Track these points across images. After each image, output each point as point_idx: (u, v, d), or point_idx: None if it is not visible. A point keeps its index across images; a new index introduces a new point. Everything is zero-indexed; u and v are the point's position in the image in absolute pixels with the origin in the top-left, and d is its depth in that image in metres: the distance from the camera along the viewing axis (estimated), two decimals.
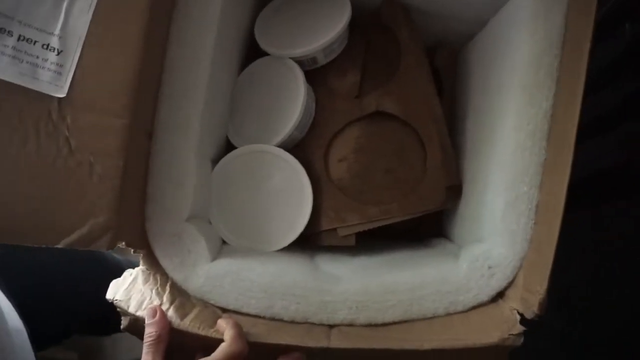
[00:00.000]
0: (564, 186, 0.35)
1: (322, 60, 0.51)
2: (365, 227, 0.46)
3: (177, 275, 0.37)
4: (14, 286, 0.45)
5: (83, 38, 0.33)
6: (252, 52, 0.52)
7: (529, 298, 0.34)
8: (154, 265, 0.38)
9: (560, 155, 0.36)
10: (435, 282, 0.37)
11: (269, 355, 0.34)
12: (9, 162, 0.32)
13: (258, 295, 0.37)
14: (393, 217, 0.46)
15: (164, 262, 0.38)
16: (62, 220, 0.33)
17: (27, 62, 0.32)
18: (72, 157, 0.33)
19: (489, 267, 0.37)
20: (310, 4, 0.51)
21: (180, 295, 0.37)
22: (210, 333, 0.34)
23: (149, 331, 0.33)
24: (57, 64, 0.32)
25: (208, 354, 0.32)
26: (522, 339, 0.34)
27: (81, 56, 0.33)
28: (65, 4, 0.33)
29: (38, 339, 0.43)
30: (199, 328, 0.34)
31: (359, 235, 0.47)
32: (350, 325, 0.37)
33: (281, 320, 0.37)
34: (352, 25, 0.50)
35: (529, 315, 0.34)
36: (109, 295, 0.37)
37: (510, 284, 0.37)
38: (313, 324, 0.37)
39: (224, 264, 0.38)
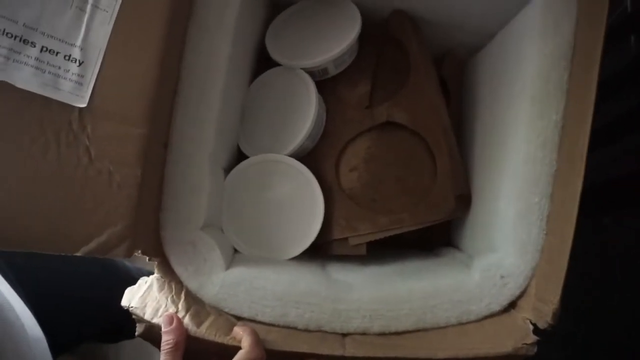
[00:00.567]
0: (576, 197, 0.36)
1: (333, 71, 0.51)
2: (377, 237, 0.46)
3: (192, 283, 0.38)
4: (30, 294, 0.45)
5: (104, 49, 0.34)
6: (262, 62, 0.53)
7: (542, 308, 0.35)
8: (169, 273, 0.38)
9: (572, 166, 0.37)
10: (448, 291, 0.37)
11: None
12: (30, 171, 0.32)
13: (272, 303, 0.37)
14: (404, 226, 0.46)
15: (179, 270, 0.38)
16: (81, 229, 0.33)
17: (50, 73, 0.32)
18: (92, 166, 0.33)
19: (502, 277, 0.37)
20: (321, 16, 0.52)
21: (195, 303, 0.37)
22: (226, 340, 0.34)
23: (167, 339, 0.33)
24: (79, 75, 0.33)
25: (226, 359, 0.32)
26: (535, 349, 0.34)
27: (101, 67, 0.34)
28: (86, 16, 0.33)
29: (52, 347, 0.43)
30: (215, 335, 0.34)
31: (370, 245, 0.47)
32: (364, 334, 0.37)
33: (295, 328, 0.37)
34: (362, 36, 0.51)
35: (542, 325, 0.34)
36: (124, 302, 0.37)
37: (522, 294, 0.37)
38: (326, 332, 0.37)
39: (238, 273, 0.38)
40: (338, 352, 0.34)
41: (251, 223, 0.46)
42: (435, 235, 0.53)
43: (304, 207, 0.46)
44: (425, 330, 0.37)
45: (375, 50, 0.53)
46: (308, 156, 0.50)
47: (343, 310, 0.37)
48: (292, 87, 0.50)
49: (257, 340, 0.33)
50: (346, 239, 0.47)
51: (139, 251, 0.36)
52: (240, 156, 0.50)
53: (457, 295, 0.37)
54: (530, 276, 0.37)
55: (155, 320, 0.35)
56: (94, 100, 0.34)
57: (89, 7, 0.34)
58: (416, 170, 0.48)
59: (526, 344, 0.34)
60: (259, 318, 0.37)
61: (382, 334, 0.37)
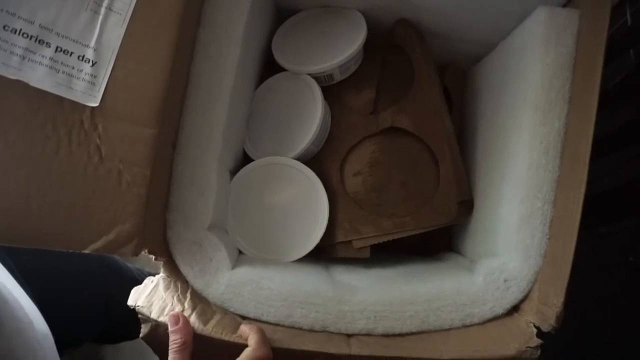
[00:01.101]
0: (579, 202, 0.36)
1: (338, 77, 0.52)
2: (380, 240, 0.46)
3: (197, 283, 0.38)
4: (36, 294, 0.45)
5: (116, 51, 0.34)
6: (268, 67, 0.54)
7: (545, 311, 0.35)
8: (175, 273, 0.39)
9: (575, 171, 0.37)
10: (451, 294, 0.38)
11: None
12: (42, 168, 0.33)
13: (277, 303, 0.37)
14: (407, 230, 0.47)
15: (185, 270, 0.38)
16: (90, 226, 0.33)
17: (63, 73, 0.33)
18: (102, 165, 0.34)
19: (505, 281, 0.38)
20: (327, 23, 0.52)
21: (201, 302, 0.37)
22: (233, 338, 0.34)
23: (174, 338, 0.33)
24: (91, 75, 0.34)
25: (232, 358, 0.32)
26: (539, 352, 0.34)
27: (114, 68, 0.34)
28: (100, 18, 0.34)
29: (57, 345, 0.43)
30: (222, 333, 0.34)
31: (373, 250, 0.48)
32: (368, 335, 0.37)
33: (300, 329, 0.37)
34: (368, 44, 0.52)
35: (545, 328, 0.35)
36: (131, 301, 0.37)
37: (525, 298, 0.38)
38: (332, 333, 0.37)
39: (244, 273, 0.39)
40: (344, 350, 0.34)
41: (256, 225, 0.46)
42: (438, 241, 0.53)
43: (308, 210, 0.46)
44: (429, 332, 0.37)
45: (380, 57, 0.53)
46: (313, 160, 0.50)
47: (348, 311, 0.37)
48: (298, 92, 0.51)
49: (264, 339, 0.33)
50: (350, 241, 0.47)
51: (146, 250, 0.36)
52: (246, 159, 0.51)
53: (461, 298, 0.38)
54: (534, 280, 0.38)
55: (161, 319, 0.35)
56: (105, 100, 0.34)
57: (103, 9, 0.34)
58: (419, 175, 0.49)
59: (530, 347, 0.34)
60: (265, 318, 0.37)
61: (386, 336, 0.37)
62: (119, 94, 0.35)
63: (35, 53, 0.32)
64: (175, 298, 0.37)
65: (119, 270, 0.59)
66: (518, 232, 0.38)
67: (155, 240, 0.38)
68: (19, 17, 0.32)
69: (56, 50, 0.33)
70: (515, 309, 0.38)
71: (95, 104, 0.34)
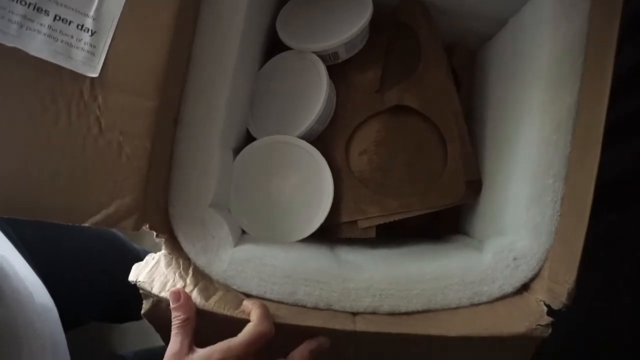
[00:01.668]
0: (591, 179, 0.35)
1: (344, 56, 0.51)
2: (386, 220, 0.46)
3: (200, 260, 0.37)
4: (41, 268, 0.45)
5: (116, 20, 0.34)
6: (274, 47, 0.53)
7: (556, 289, 0.34)
8: (177, 250, 0.38)
9: (587, 148, 0.36)
10: (459, 272, 0.37)
11: (294, 339, 0.34)
12: (40, 139, 0.32)
13: (281, 280, 0.37)
14: (413, 210, 0.46)
15: (187, 247, 0.38)
16: (89, 199, 0.33)
17: (62, 42, 0.32)
18: (102, 136, 0.33)
19: (514, 259, 0.37)
20: (332, 0, 0.51)
21: (203, 279, 0.37)
22: (235, 314, 0.34)
23: (176, 314, 0.33)
24: (91, 45, 0.33)
25: (234, 334, 0.32)
26: (549, 330, 0.33)
27: (114, 38, 0.34)
28: None
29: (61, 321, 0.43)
30: (224, 309, 0.34)
31: (379, 231, 0.47)
32: (374, 313, 0.36)
33: (304, 306, 0.36)
34: (374, 22, 0.50)
35: (556, 305, 0.34)
36: (132, 277, 0.36)
37: (535, 276, 0.37)
38: (336, 311, 0.36)
39: (247, 250, 0.38)
40: (349, 327, 0.34)
41: (259, 204, 0.46)
42: (445, 223, 0.52)
43: (313, 189, 0.46)
44: (435, 311, 0.36)
45: (386, 35, 0.52)
46: (318, 140, 0.49)
47: (353, 289, 0.37)
48: (302, 70, 0.50)
49: (267, 313, 0.33)
50: (355, 222, 0.46)
51: (147, 226, 0.36)
52: (249, 140, 0.50)
53: (469, 276, 0.37)
54: (544, 259, 0.37)
55: (163, 294, 0.35)
56: (105, 71, 0.33)
57: None
58: (426, 154, 0.48)
59: (540, 325, 0.33)
60: (268, 295, 0.37)
61: (392, 314, 0.36)
62: (119, 65, 0.34)
63: (33, 21, 0.32)
64: (177, 274, 0.36)
65: (122, 249, 0.59)
66: (528, 209, 0.37)
67: (157, 217, 0.37)
68: None
69: (55, 19, 0.32)
70: (524, 287, 0.37)
71: (95, 75, 0.33)
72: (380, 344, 0.35)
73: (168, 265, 0.37)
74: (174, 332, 0.33)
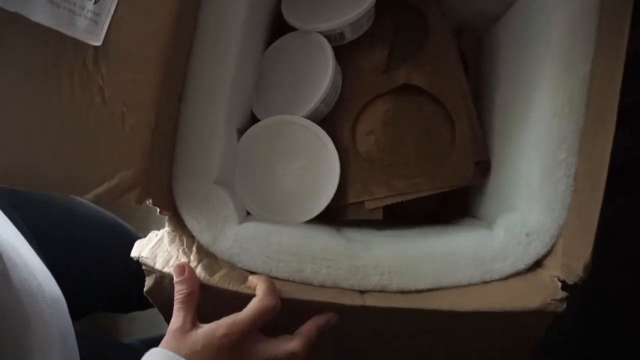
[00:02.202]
0: (606, 153, 0.34)
1: (350, 36, 0.50)
2: (393, 200, 0.45)
3: (204, 237, 0.36)
4: (50, 256, 0.44)
5: None
6: (278, 27, 0.52)
7: (571, 264, 0.33)
8: (180, 227, 0.37)
9: (601, 121, 0.35)
10: (470, 249, 0.36)
11: (301, 316, 0.33)
12: (42, 110, 0.31)
13: (287, 258, 0.36)
14: (421, 191, 0.45)
15: (191, 224, 0.37)
16: (92, 171, 0.32)
17: (65, 9, 0.31)
18: (105, 107, 0.32)
19: (527, 235, 0.36)
20: None
21: (207, 256, 0.36)
22: (241, 289, 0.33)
23: (179, 288, 0.32)
24: (94, 12, 0.32)
25: (239, 310, 0.31)
26: (564, 305, 0.32)
27: (117, 6, 0.33)
28: None
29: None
30: (229, 284, 0.33)
31: (386, 213, 0.46)
32: (382, 291, 0.35)
33: (311, 284, 0.36)
34: (380, 3, 0.50)
35: (571, 280, 0.33)
36: (134, 253, 0.36)
37: (549, 253, 0.36)
38: (344, 289, 0.36)
39: (253, 227, 0.37)
40: (357, 302, 0.33)
41: (265, 185, 0.45)
42: (454, 205, 0.51)
43: (319, 170, 0.45)
44: (446, 288, 0.35)
45: (393, 15, 0.51)
46: (324, 120, 0.48)
47: (360, 266, 0.36)
48: (308, 51, 0.49)
49: (272, 288, 0.32)
50: (362, 202, 0.45)
51: (150, 201, 0.35)
52: (254, 122, 0.49)
53: (480, 253, 0.36)
54: (557, 235, 0.36)
55: (166, 270, 0.34)
56: (109, 40, 0.33)
57: None
58: (434, 135, 0.47)
59: (555, 299, 0.32)
60: (274, 274, 0.36)
61: (401, 292, 0.35)
62: (123, 34, 0.33)
63: None
64: (180, 251, 0.36)
65: (126, 238, 0.58)
66: (540, 185, 0.36)
67: (161, 193, 0.37)
68: None
69: None
70: (537, 264, 0.36)
71: (98, 43, 0.32)
72: (390, 320, 0.35)
73: (171, 242, 0.36)
74: (176, 306, 0.32)
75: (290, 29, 0.51)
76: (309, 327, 0.32)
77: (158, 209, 0.36)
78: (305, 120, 0.45)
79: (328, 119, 0.49)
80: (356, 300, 0.33)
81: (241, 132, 0.46)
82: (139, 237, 0.63)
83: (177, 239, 0.37)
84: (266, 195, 0.45)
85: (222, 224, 0.37)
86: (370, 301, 0.33)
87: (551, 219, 0.36)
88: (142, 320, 0.72)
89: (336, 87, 0.49)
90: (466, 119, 0.46)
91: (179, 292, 0.32)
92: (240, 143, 0.45)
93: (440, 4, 0.50)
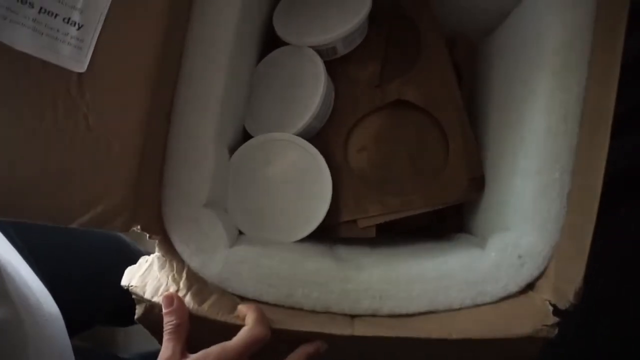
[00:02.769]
0: (599, 172, 0.34)
1: (342, 51, 0.50)
2: (387, 218, 0.44)
3: (194, 261, 0.36)
4: (46, 274, 0.44)
5: (105, 13, 0.32)
6: (270, 42, 0.52)
7: (563, 287, 0.33)
8: (170, 252, 0.37)
9: (595, 139, 0.35)
10: (462, 272, 0.36)
11: (290, 344, 0.33)
12: (25, 138, 0.31)
13: (277, 282, 0.35)
14: (415, 208, 0.44)
15: (181, 248, 0.36)
16: (76, 199, 0.32)
17: (48, 36, 0.31)
18: (90, 133, 0.32)
19: (519, 256, 0.35)
20: None
21: (197, 282, 0.36)
22: (230, 319, 0.32)
23: (169, 319, 0.32)
24: (78, 39, 0.32)
25: (228, 339, 0.30)
26: (556, 331, 0.32)
27: (102, 31, 0.32)
28: None
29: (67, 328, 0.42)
30: (218, 314, 0.33)
31: (379, 229, 0.45)
32: (374, 315, 0.35)
33: (301, 309, 0.35)
34: (373, 15, 0.49)
35: (563, 305, 0.32)
36: (124, 282, 0.35)
37: (541, 275, 0.35)
38: (335, 313, 0.35)
39: (243, 250, 0.37)
40: (346, 331, 0.32)
41: (256, 204, 0.44)
42: (448, 221, 0.51)
43: (311, 188, 0.44)
44: (437, 312, 0.35)
45: (385, 28, 0.51)
46: (316, 137, 0.48)
47: (352, 290, 0.35)
48: (299, 65, 0.48)
49: (262, 318, 0.32)
50: (355, 221, 0.45)
51: (139, 227, 0.34)
52: (246, 137, 0.49)
53: (472, 275, 0.35)
54: (550, 256, 0.35)
55: (155, 299, 0.33)
56: (93, 66, 0.32)
57: None
58: (428, 150, 0.47)
59: (546, 325, 0.32)
60: (264, 298, 0.35)
61: (392, 316, 0.35)
62: (108, 60, 0.33)
63: (17, 13, 0.30)
64: (170, 278, 0.35)
65: (128, 252, 0.58)
66: (533, 204, 0.36)
67: (150, 217, 0.36)
68: None
69: (40, 11, 0.31)
70: (530, 286, 0.35)
71: (82, 70, 0.32)
72: (379, 348, 0.34)
73: (161, 268, 0.36)
74: (165, 337, 0.31)
75: (283, 43, 0.50)
76: (297, 356, 0.32)
77: (147, 234, 0.36)
78: (297, 138, 0.45)
79: (320, 135, 0.48)
80: (346, 330, 0.33)
81: (233, 149, 0.46)
82: (137, 249, 0.63)
83: (167, 264, 0.36)
84: (258, 214, 0.44)
85: (212, 248, 0.37)
86: (359, 330, 0.33)
87: (544, 240, 0.35)
88: (139, 332, 0.72)
89: (328, 103, 0.48)
90: (460, 134, 0.46)
91: (168, 323, 0.32)
92: (232, 161, 0.45)
93: (431, 15, 0.50)
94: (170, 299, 0.33)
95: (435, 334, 0.32)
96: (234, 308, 0.34)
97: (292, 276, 0.36)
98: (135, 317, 0.35)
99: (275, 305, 0.36)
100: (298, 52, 0.49)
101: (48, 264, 0.46)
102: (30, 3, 0.31)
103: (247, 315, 0.32)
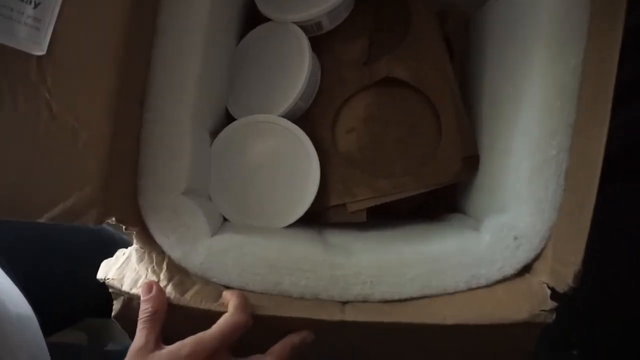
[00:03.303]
0: (599, 150, 0.32)
1: (328, 26, 0.47)
2: (377, 202, 0.43)
3: (175, 253, 0.34)
4: (19, 272, 0.42)
5: None
6: (252, 19, 0.49)
7: (561, 270, 0.31)
8: (149, 243, 0.35)
9: (594, 116, 0.33)
10: (455, 254, 0.34)
11: (276, 334, 0.31)
12: None
13: (263, 271, 0.34)
14: (406, 190, 0.43)
15: (160, 239, 0.35)
16: (43, 193, 0.30)
17: (1, 16, 0.28)
18: (54, 122, 0.30)
19: (515, 238, 0.34)
20: None
21: (178, 273, 0.34)
22: (214, 307, 0.31)
23: (145, 307, 0.30)
24: (35, 18, 0.29)
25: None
26: (554, 316, 0.31)
27: (62, 9, 0.30)
28: None
29: (46, 323, 0.40)
30: (201, 302, 0.31)
31: (370, 213, 0.44)
32: (365, 301, 0.34)
33: (290, 297, 0.34)
34: None
35: (561, 288, 0.31)
36: (100, 275, 0.34)
37: (538, 257, 0.34)
38: (324, 300, 0.34)
39: (226, 239, 0.35)
40: (337, 317, 0.31)
41: (242, 190, 0.43)
42: (441, 201, 0.49)
43: (298, 172, 0.42)
44: (431, 297, 0.33)
45: (373, 3, 0.48)
46: (302, 118, 0.46)
47: (341, 276, 0.34)
48: (283, 43, 0.46)
49: (244, 304, 0.30)
50: (344, 205, 0.43)
51: (114, 219, 0.33)
52: (229, 121, 0.46)
53: (466, 258, 0.34)
54: (547, 237, 0.34)
55: (134, 291, 0.32)
56: (54, 48, 0.30)
57: None
58: (419, 129, 0.45)
59: (544, 310, 0.30)
60: (250, 287, 0.34)
61: (384, 302, 0.34)
62: (70, 41, 0.30)
63: None
64: (149, 270, 0.34)
65: (112, 243, 0.56)
66: (529, 183, 0.34)
67: (125, 208, 0.34)
68: None
69: None
70: (526, 269, 0.34)
71: (42, 52, 0.30)
72: (371, 334, 0.33)
73: (140, 260, 0.34)
74: (139, 326, 0.30)
75: (265, 19, 0.47)
76: (282, 346, 0.31)
77: (124, 227, 0.34)
78: (282, 119, 0.43)
79: (307, 116, 0.46)
80: (336, 315, 0.31)
81: (215, 134, 0.44)
82: (123, 241, 0.61)
83: (146, 257, 0.35)
84: (244, 200, 0.42)
85: (194, 238, 0.35)
86: (351, 315, 0.32)
87: (541, 220, 0.34)
88: None
89: (314, 83, 0.46)
90: (452, 112, 0.44)
91: (144, 310, 0.30)
92: (214, 146, 0.43)
93: None
94: (150, 286, 0.31)
95: (428, 319, 0.31)
96: (219, 296, 0.32)
97: (279, 263, 0.34)
98: (112, 314, 0.33)
99: (262, 293, 0.34)
100: (281, 29, 0.46)
101: (22, 261, 0.44)
102: None
103: (230, 301, 0.30)
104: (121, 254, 0.35)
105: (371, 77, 0.45)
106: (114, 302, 0.33)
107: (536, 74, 0.35)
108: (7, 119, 0.29)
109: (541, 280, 0.33)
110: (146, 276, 0.33)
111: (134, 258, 0.34)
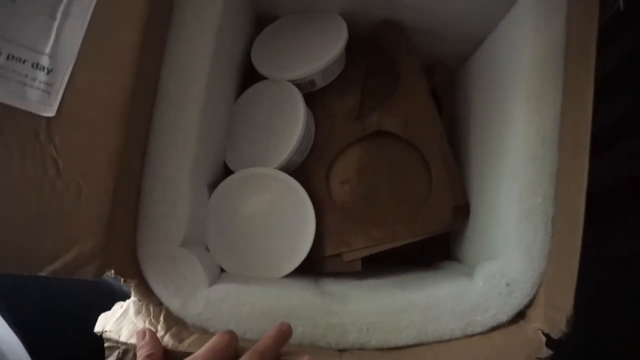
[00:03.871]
0: (581, 195, 0.33)
1: (321, 83, 0.50)
2: (372, 251, 0.43)
3: (173, 303, 0.35)
4: (20, 317, 0.42)
5: (74, 57, 0.32)
6: (249, 76, 0.52)
7: (554, 315, 0.32)
8: (147, 295, 0.35)
9: (574, 163, 0.34)
10: (450, 301, 0.35)
11: None
12: None
13: (260, 320, 0.34)
14: (399, 239, 0.43)
15: (158, 290, 0.35)
16: (46, 246, 0.31)
17: (16, 81, 0.31)
18: (60, 178, 0.31)
19: (507, 285, 0.34)
20: (307, 28, 0.51)
21: (176, 324, 0.34)
22: None
23: (140, 352, 0.30)
24: (47, 83, 0.31)
25: None
26: None
27: (72, 76, 0.32)
28: (56, 23, 0.32)
29: None
30: (199, 348, 0.31)
31: (365, 261, 0.44)
32: (362, 349, 0.34)
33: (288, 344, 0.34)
34: (350, 46, 0.50)
35: (555, 334, 0.31)
36: (98, 328, 0.34)
37: (531, 303, 0.34)
38: (322, 348, 0.34)
39: (223, 288, 0.36)
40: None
41: (239, 241, 0.43)
42: (434, 249, 0.50)
43: (294, 223, 0.43)
44: (427, 344, 0.34)
45: (364, 59, 0.51)
46: (297, 171, 0.48)
47: (338, 323, 0.34)
48: (279, 100, 0.48)
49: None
50: (340, 255, 0.44)
51: (112, 271, 0.33)
52: (227, 174, 0.48)
53: (461, 305, 0.34)
54: (538, 283, 0.34)
55: (131, 342, 0.32)
56: (62, 109, 0.32)
57: (59, 14, 0.32)
58: (411, 180, 0.46)
59: (539, 357, 0.30)
60: (248, 336, 0.34)
61: (381, 349, 0.34)
62: (78, 103, 0.32)
63: None
64: (147, 322, 0.34)
65: (112, 294, 0.56)
66: (518, 231, 0.35)
67: (124, 260, 0.35)
68: None
69: (7, 58, 0.31)
70: (520, 315, 0.34)
71: (51, 114, 0.31)
72: None
73: (137, 312, 0.35)
74: None
75: (262, 77, 0.50)
76: None
77: (122, 279, 0.34)
78: (278, 171, 0.44)
79: (302, 168, 0.48)
80: (334, 358, 0.31)
81: (214, 185, 0.45)
82: (121, 289, 0.61)
83: (143, 309, 0.35)
84: (240, 252, 0.43)
85: (192, 288, 0.35)
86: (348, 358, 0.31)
87: (531, 266, 0.34)
88: None
89: (309, 136, 0.48)
90: (442, 162, 0.45)
91: (140, 355, 0.30)
92: (212, 197, 0.44)
93: (409, 45, 0.50)
94: (143, 332, 0.32)
95: None
96: None
97: (275, 312, 0.34)
98: None
99: None
100: (277, 86, 0.49)
101: (22, 309, 0.44)
102: None
103: None
104: (119, 307, 0.35)
105: (363, 131, 0.47)
106: (110, 357, 0.33)
107: (518, 126, 0.38)
108: (15, 178, 0.30)
109: (536, 326, 0.33)
110: (144, 327, 0.33)
111: (131, 311, 0.35)
